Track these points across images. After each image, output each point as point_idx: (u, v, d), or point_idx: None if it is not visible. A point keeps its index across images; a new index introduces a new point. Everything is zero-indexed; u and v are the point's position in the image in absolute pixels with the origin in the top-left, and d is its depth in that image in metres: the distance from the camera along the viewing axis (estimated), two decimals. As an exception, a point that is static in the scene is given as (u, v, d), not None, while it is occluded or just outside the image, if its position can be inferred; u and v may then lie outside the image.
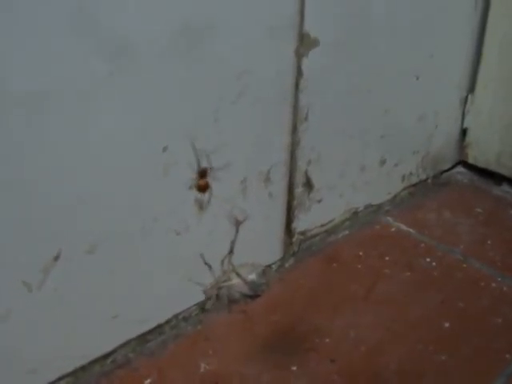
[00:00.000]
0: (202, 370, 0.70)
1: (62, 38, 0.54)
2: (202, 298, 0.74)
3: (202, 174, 0.65)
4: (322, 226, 0.93)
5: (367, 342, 0.76)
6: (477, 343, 0.76)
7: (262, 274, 0.53)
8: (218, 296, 0.53)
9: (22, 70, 0.52)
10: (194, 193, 0.66)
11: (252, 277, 0.53)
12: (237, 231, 0.54)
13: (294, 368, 0.71)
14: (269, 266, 0.85)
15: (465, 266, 0.91)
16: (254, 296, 0.53)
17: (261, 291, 0.53)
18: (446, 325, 0.79)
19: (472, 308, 0.82)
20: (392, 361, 0.73)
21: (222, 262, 0.53)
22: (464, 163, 1.19)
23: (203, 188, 0.65)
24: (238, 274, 0.52)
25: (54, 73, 0.55)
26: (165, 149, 0.66)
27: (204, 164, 0.66)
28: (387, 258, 0.92)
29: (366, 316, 0.80)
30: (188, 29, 0.63)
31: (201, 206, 0.69)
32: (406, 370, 0.72)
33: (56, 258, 0.60)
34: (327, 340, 0.75)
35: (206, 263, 0.53)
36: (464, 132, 1.16)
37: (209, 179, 0.64)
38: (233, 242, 0.54)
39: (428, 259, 0.92)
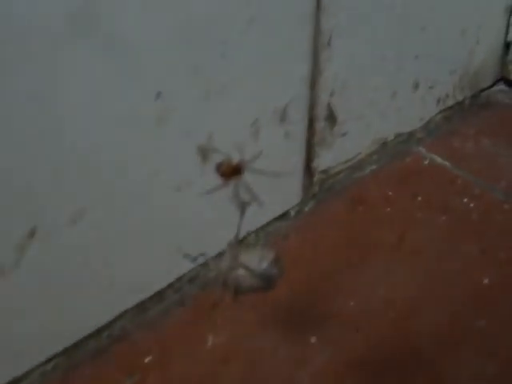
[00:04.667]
0: (209, 343, 0.61)
1: None
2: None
3: (236, 169, 0.49)
4: (347, 161, 0.83)
5: (397, 304, 0.67)
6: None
7: (274, 262, 0.43)
8: (224, 284, 0.44)
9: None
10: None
11: (262, 267, 0.43)
12: (242, 214, 0.44)
13: (313, 340, 0.63)
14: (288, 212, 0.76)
15: (506, 207, 0.81)
16: (265, 289, 0.43)
17: (273, 283, 0.43)
18: (485, 281, 0.70)
19: (515, 259, 0.73)
20: (425, 326, 0.64)
21: (229, 246, 0.44)
22: (506, 80, 1.06)
23: (227, 174, 0.49)
24: (245, 266, 0.42)
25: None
26: (158, 95, 0.55)
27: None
28: (420, 199, 0.81)
29: (395, 271, 0.71)
30: None
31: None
32: (440, 338, 0.64)
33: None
34: (352, 303, 0.66)
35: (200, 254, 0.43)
36: (507, 46, 1.02)
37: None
38: (238, 227, 0.44)
39: (465, 199, 0.81)
